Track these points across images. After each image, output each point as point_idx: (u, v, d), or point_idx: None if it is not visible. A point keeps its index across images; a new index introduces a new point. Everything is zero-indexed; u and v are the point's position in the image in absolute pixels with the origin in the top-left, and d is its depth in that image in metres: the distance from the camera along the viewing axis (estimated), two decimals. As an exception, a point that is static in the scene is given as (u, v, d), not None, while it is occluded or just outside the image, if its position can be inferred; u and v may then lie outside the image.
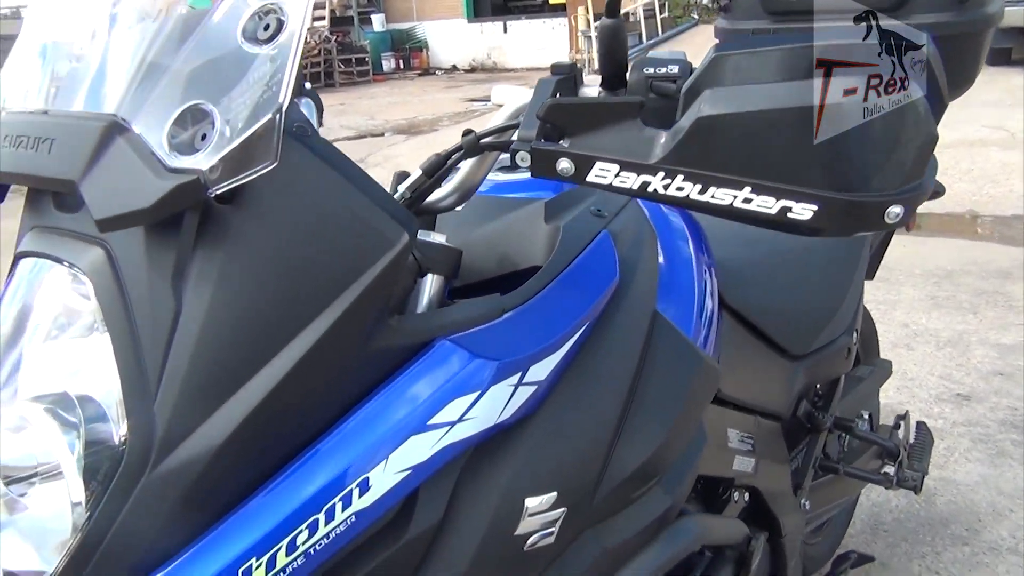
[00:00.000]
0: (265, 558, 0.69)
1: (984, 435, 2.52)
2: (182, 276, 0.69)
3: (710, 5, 12.37)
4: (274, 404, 0.70)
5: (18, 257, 0.79)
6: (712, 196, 0.71)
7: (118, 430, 0.69)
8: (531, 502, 0.81)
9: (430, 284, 0.84)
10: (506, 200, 1.04)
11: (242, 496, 0.71)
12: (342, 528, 0.72)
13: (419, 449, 0.74)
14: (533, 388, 0.81)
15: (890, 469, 1.73)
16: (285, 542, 0.70)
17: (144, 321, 0.69)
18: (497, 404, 0.78)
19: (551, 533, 0.83)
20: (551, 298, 0.86)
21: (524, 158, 0.76)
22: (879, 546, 2.09)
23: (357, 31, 17.58)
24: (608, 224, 0.98)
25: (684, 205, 0.72)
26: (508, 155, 0.79)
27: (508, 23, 17.43)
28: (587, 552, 0.88)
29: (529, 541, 0.82)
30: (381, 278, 0.72)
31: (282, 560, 0.70)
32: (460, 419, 0.76)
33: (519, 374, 0.79)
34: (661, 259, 1.02)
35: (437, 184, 0.91)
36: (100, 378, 0.70)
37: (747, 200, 0.70)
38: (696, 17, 13.14)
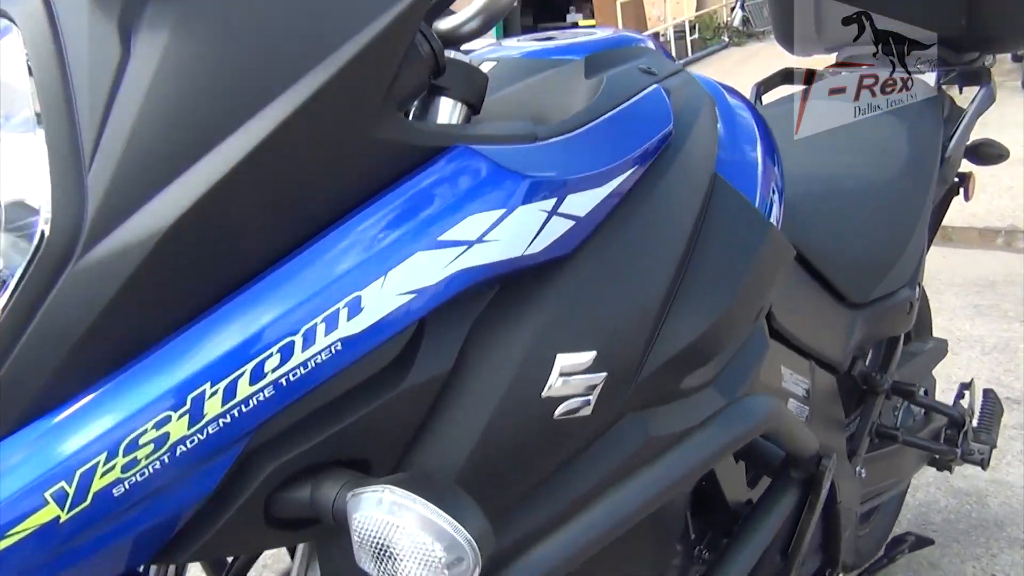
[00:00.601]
0: (222, 385, 0.53)
1: (1038, 439, 2.33)
2: (132, 17, 0.54)
3: (741, 28, 12.19)
4: (239, 187, 0.54)
5: None
6: None
7: (44, 215, 0.54)
8: (564, 359, 0.64)
9: (450, 110, 0.69)
10: (538, 61, 0.88)
11: (197, 307, 0.55)
12: (324, 357, 0.55)
13: (426, 269, 0.58)
14: (570, 223, 0.65)
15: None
16: (249, 367, 0.54)
17: (82, 76, 0.54)
18: (526, 230, 0.62)
19: (588, 402, 0.66)
20: (594, 133, 0.70)
21: None
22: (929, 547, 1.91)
23: (386, 49, 17.60)
24: (660, 81, 0.83)
25: None
26: None
27: (538, 44, 17.36)
28: (631, 437, 0.71)
29: (561, 408, 0.65)
30: (386, 37, 0.56)
31: (244, 390, 0.54)
32: (479, 239, 0.59)
33: (554, 201, 0.63)
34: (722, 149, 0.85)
35: None
36: (33, 177, 0.56)
37: None
38: (727, 40, 12.96)
